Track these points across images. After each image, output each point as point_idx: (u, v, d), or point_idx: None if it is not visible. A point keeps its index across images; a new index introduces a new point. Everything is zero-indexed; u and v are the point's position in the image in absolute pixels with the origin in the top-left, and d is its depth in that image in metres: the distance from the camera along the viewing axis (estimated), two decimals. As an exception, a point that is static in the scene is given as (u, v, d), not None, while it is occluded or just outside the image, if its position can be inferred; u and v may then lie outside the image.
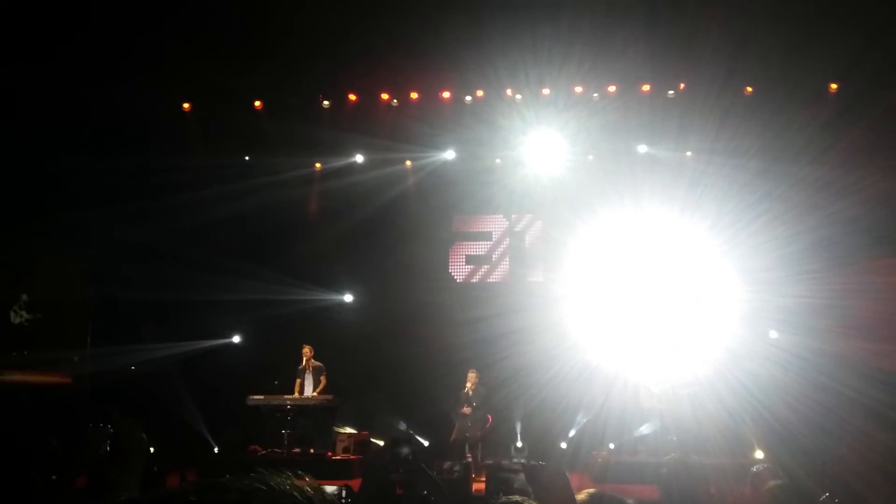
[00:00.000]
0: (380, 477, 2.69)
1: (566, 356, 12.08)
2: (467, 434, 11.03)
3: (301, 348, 11.87)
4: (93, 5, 10.46)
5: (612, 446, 11.80)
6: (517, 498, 1.60)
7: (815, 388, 10.70)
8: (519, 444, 12.39)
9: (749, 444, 11.05)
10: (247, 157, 12.70)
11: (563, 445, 12.50)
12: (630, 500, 3.35)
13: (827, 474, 6.76)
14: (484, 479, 10.38)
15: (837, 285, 10.98)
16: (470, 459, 10.41)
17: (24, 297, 11.15)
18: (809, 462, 7.79)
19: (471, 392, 11.36)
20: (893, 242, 11.02)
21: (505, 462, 11.99)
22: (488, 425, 11.34)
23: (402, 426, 12.39)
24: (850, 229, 10.87)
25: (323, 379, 11.72)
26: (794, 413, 10.60)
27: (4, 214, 10.92)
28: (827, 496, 3.72)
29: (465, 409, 11.18)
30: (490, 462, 11.05)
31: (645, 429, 11.73)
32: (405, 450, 2.37)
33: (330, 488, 5.22)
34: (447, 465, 7.28)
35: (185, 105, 12.72)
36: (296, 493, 0.89)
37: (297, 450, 11.15)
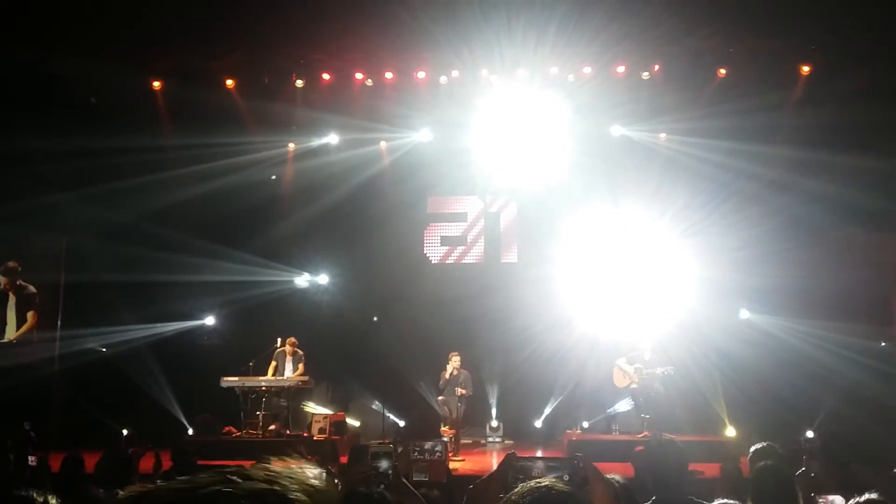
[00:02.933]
0: (364, 461, 2.71)
1: (541, 337, 12.16)
2: (453, 415, 11.13)
3: (283, 331, 11.88)
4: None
5: (585, 425, 11.94)
6: (546, 481, 1.61)
7: (786, 367, 10.89)
8: (494, 424, 12.50)
9: (720, 422, 11.24)
10: (219, 138, 12.53)
11: (538, 424, 12.63)
12: (617, 477, 3.39)
13: (798, 452, 6.87)
14: (461, 458, 10.53)
15: (808, 263, 11.15)
16: (446, 438, 10.47)
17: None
18: (781, 440, 7.93)
19: (456, 372, 11.44)
20: (864, 220, 11.20)
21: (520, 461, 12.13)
22: (464, 406, 11.43)
23: (378, 406, 12.42)
24: (822, 208, 11.02)
25: (301, 367, 11.74)
26: (765, 392, 10.79)
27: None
28: (803, 470, 3.79)
29: (459, 389, 11.28)
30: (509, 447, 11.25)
31: (618, 408, 11.88)
32: (384, 463, 2.39)
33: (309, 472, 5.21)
34: (428, 444, 7.32)
35: (156, 84, 12.51)
36: (311, 479, 0.90)
37: (272, 427, 11.13)
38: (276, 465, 0.91)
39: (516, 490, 1.60)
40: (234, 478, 0.84)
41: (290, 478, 0.88)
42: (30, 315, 9.75)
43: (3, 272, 9.64)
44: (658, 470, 3.83)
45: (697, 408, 11.36)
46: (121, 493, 0.84)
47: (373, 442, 9.39)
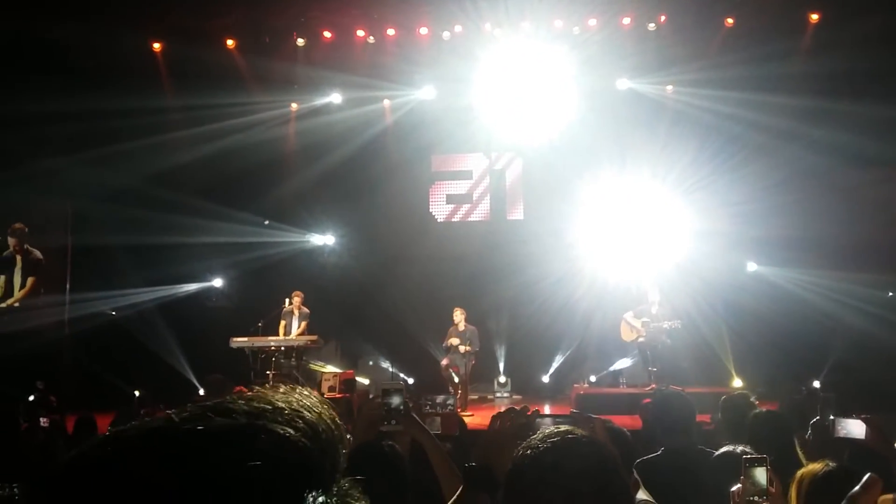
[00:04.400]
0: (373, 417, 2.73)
1: (547, 292, 12.17)
2: (460, 370, 11.18)
3: (291, 292, 11.89)
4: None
5: (593, 379, 12.01)
6: (564, 427, 1.61)
7: (793, 318, 10.90)
8: (502, 379, 12.59)
9: (727, 373, 11.28)
10: (222, 98, 12.42)
11: (546, 379, 12.71)
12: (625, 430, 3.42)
13: (804, 403, 6.90)
14: (470, 413, 10.61)
15: (816, 214, 11.08)
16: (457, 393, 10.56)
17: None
18: (787, 391, 7.96)
19: (463, 327, 11.44)
20: (873, 169, 11.10)
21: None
22: (472, 362, 11.48)
23: (386, 363, 12.50)
24: (830, 157, 10.91)
25: (304, 324, 11.78)
26: (771, 343, 10.81)
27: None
28: (818, 419, 3.81)
29: (463, 347, 11.27)
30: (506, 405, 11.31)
31: (625, 361, 11.93)
32: (396, 400, 2.40)
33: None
34: (440, 398, 7.40)
35: (156, 45, 12.39)
36: (303, 411, 0.81)
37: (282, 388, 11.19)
38: (270, 393, 0.83)
39: (536, 436, 1.60)
40: (211, 414, 0.76)
41: (281, 409, 0.80)
42: (29, 281, 9.78)
43: (11, 233, 9.66)
44: (665, 421, 3.85)
45: (704, 360, 11.40)
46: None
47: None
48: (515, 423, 2.39)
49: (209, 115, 11.85)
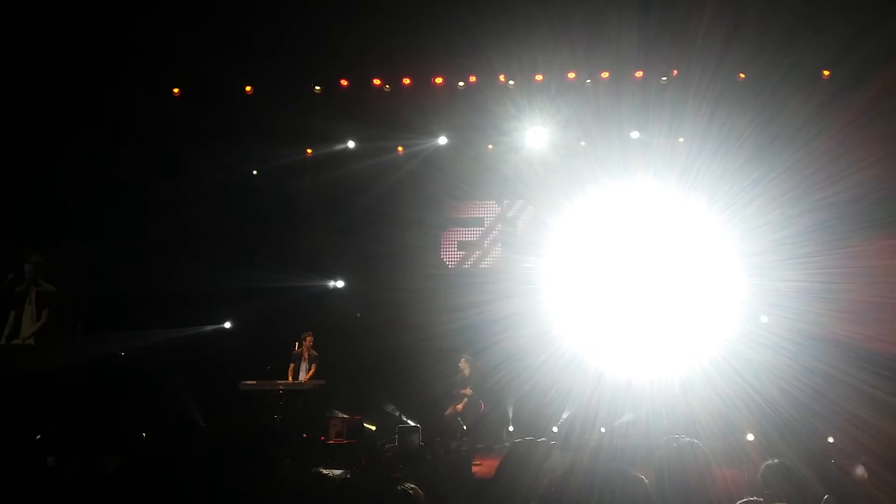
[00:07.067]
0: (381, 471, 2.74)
1: (558, 341, 12.10)
2: (465, 418, 11.12)
3: (301, 334, 11.93)
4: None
5: (603, 430, 11.85)
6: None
7: (806, 372, 10.78)
8: (511, 429, 12.45)
9: (740, 427, 11.12)
10: (239, 144, 12.56)
11: (555, 429, 12.56)
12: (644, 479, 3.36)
13: (818, 457, 6.81)
14: (478, 462, 10.48)
15: (830, 269, 11.03)
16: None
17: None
18: (801, 445, 7.86)
19: (467, 375, 11.43)
20: (886, 226, 11.08)
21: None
22: (481, 410, 11.38)
23: (394, 410, 12.40)
24: (844, 213, 10.91)
25: (313, 368, 11.78)
26: (785, 397, 10.68)
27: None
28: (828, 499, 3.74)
29: (466, 390, 11.26)
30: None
31: (635, 412, 11.77)
32: (413, 441, 2.37)
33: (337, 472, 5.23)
34: (454, 444, 7.37)
35: (175, 90, 12.57)
36: None
37: (289, 434, 11.15)
38: None
39: None
40: None
41: None
42: (45, 314, 9.81)
43: (29, 261, 9.72)
44: (670, 473, 3.78)
45: (717, 412, 11.25)
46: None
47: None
48: None
49: (226, 161, 12.00)
